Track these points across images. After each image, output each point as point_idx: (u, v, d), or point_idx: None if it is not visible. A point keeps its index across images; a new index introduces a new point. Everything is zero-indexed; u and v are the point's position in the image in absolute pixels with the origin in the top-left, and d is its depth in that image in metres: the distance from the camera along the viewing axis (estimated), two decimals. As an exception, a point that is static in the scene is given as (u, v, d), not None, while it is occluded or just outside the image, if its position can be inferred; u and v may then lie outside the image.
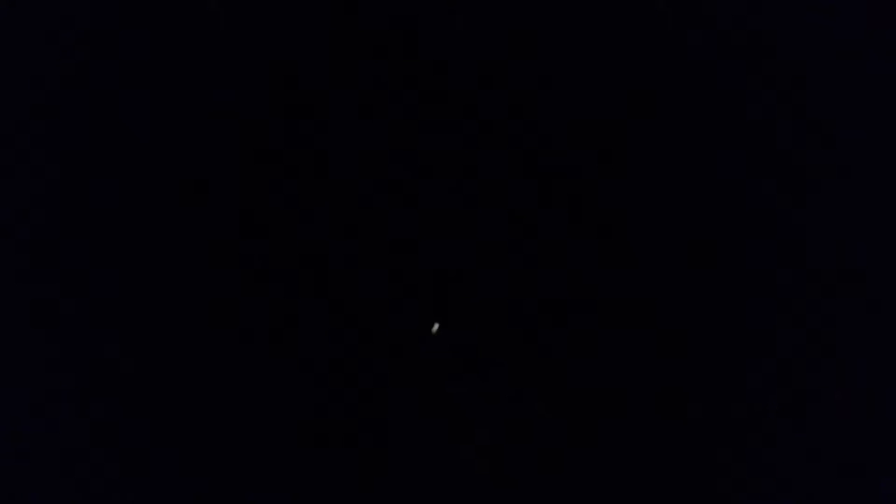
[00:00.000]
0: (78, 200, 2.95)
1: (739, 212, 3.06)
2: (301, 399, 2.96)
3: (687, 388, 3.00)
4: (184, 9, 2.97)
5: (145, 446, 2.87)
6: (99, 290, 2.94)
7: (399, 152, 3.07)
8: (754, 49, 3.00)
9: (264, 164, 3.04)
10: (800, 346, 2.98)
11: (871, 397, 2.88)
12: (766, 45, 3.00)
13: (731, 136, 3.05)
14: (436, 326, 2.80)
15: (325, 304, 3.03)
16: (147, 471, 2.84)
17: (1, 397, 2.83)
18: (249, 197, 3.03)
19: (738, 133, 3.04)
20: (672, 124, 3.06)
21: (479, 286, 3.07)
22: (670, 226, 3.05)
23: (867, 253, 2.92)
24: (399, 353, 3.04)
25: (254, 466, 2.89)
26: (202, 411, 2.92)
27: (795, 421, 2.93)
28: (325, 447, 2.91)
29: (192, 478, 2.84)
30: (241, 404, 2.94)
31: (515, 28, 3.04)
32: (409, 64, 3.05)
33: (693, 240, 3.04)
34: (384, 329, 3.04)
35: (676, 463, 2.91)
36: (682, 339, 3.03)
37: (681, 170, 3.06)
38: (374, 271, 3.04)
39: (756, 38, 3.00)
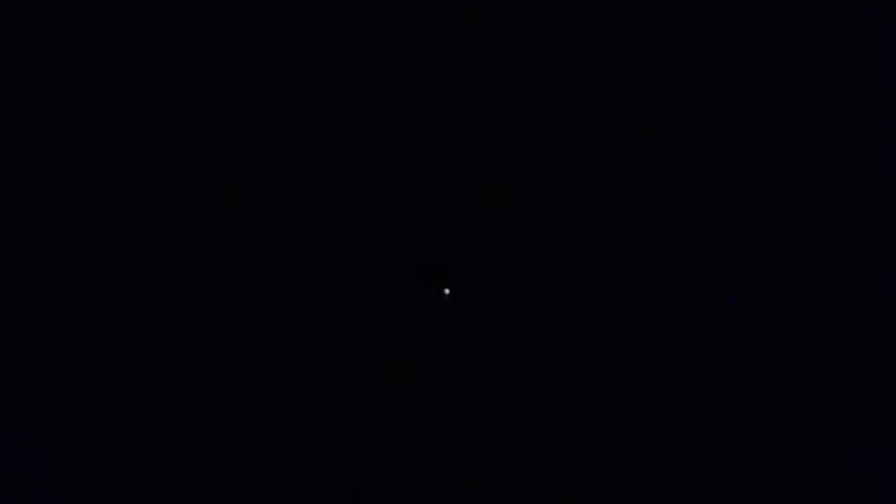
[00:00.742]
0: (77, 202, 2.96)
1: (735, 212, 3.06)
2: (300, 399, 2.97)
3: (686, 389, 3.00)
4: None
5: (151, 444, 2.88)
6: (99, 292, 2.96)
7: (397, 152, 3.08)
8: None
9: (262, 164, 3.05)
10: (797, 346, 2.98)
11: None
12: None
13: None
14: (447, 291, 2.82)
15: (324, 303, 3.03)
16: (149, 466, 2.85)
17: (3, 397, 2.85)
18: (250, 198, 3.04)
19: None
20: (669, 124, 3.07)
21: (479, 286, 3.07)
22: (663, 226, 3.06)
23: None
24: (398, 352, 3.04)
25: (254, 466, 2.89)
26: (201, 411, 2.93)
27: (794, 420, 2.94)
28: (324, 447, 2.91)
29: (190, 477, 2.85)
30: (240, 404, 2.95)
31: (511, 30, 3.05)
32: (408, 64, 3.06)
33: (687, 240, 3.05)
34: (382, 329, 3.05)
35: (675, 462, 2.91)
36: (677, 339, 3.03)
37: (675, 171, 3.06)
38: (371, 270, 3.05)
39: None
